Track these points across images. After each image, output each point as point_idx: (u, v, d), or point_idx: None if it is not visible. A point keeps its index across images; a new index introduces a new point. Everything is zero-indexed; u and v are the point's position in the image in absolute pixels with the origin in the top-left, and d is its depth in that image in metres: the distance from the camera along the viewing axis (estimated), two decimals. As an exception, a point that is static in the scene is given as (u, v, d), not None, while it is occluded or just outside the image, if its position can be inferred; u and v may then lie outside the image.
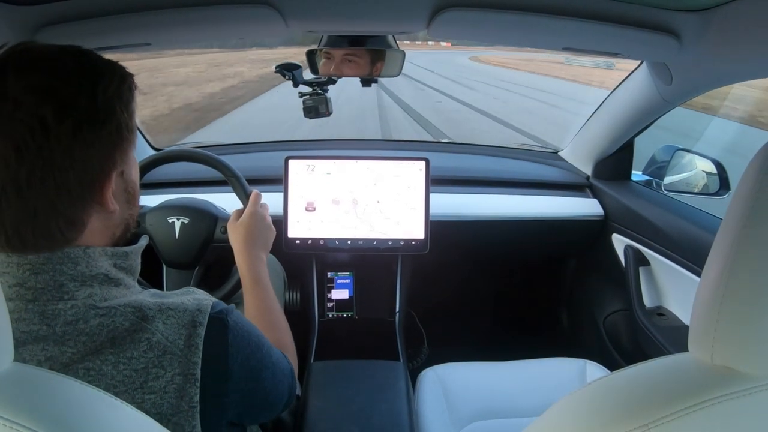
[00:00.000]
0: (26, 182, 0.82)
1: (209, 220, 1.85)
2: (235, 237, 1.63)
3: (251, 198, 1.71)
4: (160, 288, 1.84)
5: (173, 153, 1.91)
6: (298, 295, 2.34)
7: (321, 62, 1.95)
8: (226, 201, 1.99)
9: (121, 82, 0.94)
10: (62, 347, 0.87)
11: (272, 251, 1.77)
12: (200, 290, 1.08)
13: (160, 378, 0.90)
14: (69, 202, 0.88)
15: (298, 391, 1.81)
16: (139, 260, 1.06)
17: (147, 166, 1.83)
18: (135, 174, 1.05)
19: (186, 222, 1.82)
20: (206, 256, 1.85)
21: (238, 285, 1.69)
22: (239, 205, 1.85)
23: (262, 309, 1.46)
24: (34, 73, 0.84)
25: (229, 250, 1.67)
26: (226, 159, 1.84)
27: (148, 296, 0.99)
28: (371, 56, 1.89)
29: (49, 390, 0.72)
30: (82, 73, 0.88)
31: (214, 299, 1.04)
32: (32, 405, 0.67)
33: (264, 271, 1.56)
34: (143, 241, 1.10)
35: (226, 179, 1.83)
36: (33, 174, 0.82)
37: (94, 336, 0.88)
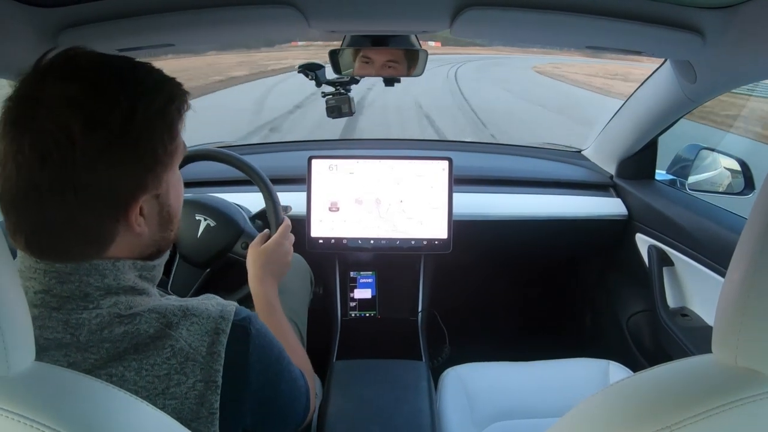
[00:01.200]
0: (46, 191, 0.82)
1: (234, 231, 1.83)
2: (253, 260, 1.62)
3: (281, 228, 1.70)
4: (167, 277, 1.85)
5: (211, 152, 1.87)
6: (322, 290, 2.34)
7: (357, 65, 1.94)
8: (245, 200, 2.01)
9: (168, 102, 0.92)
10: (85, 354, 0.88)
11: (296, 251, 1.77)
12: (219, 297, 1.07)
13: (182, 384, 0.91)
14: (87, 217, 0.87)
15: (317, 390, 1.81)
16: (162, 268, 1.06)
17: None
18: (175, 197, 1.02)
19: (212, 225, 1.81)
20: (219, 261, 1.85)
21: (247, 298, 1.67)
22: (258, 206, 1.88)
23: (276, 331, 1.45)
24: (73, 83, 0.83)
25: (242, 264, 1.67)
26: (250, 159, 1.83)
27: (172, 300, 0.99)
28: (408, 60, 1.90)
29: (70, 389, 0.72)
30: (123, 89, 0.86)
31: (236, 305, 1.03)
32: (53, 404, 0.68)
33: (276, 296, 1.55)
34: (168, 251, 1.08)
35: (263, 199, 1.81)
36: (53, 184, 0.82)
37: (118, 342, 0.89)
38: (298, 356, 1.34)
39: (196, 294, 1.76)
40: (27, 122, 0.81)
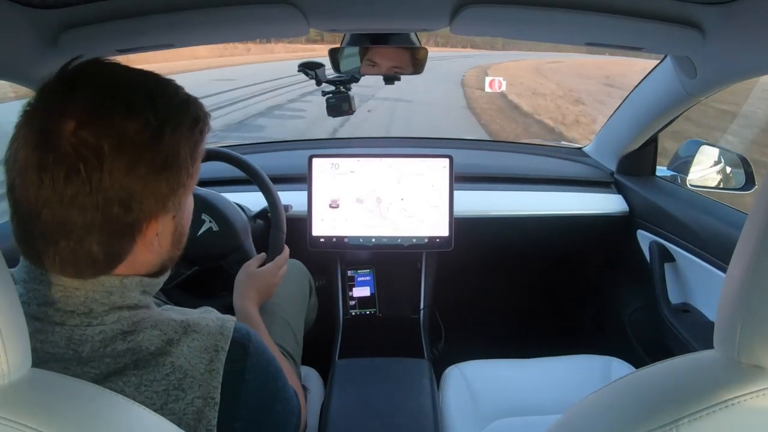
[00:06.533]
0: (68, 205, 0.80)
1: (234, 243, 1.83)
2: (243, 280, 1.64)
3: (279, 258, 1.73)
4: None
5: (216, 152, 1.89)
6: (325, 282, 2.35)
7: (363, 66, 1.94)
8: (247, 200, 2.02)
9: (194, 125, 0.91)
10: (85, 368, 0.87)
11: (297, 252, 1.77)
12: (216, 311, 1.07)
13: (181, 400, 0.90)
14: (106, 234, 0.85)
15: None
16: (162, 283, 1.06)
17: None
18: (187, 219, 1.03)
19: (215, 230, 1.81)
20: (208, 264, 1.86)
21: (226, 307, 1.65)
22: (259, 204, 1.91)
23: None
24: (104, 99, 0.82)
25: (227, 274, 1.71)
26: (252, 158, 1.84)
27: (172, 314, 0.98)
28: (412, 61, 1.90)
29: (69, 395, 0.72)
30: (154, 110, 0.85)
31: (235, 321, 1.03)
32: (52, 411, 0.68)
33: (259, 316, 1.56)
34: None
35: (271, 222, 1.84)
36: (76, 199, 0.80)
37: (119, 358, 0.88)
38: (286, 372, 1.33)
39: (178, 287, 1.78)
40: (53, 135, 0.79)
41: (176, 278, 1.83)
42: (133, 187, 0.84)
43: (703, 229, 1.96)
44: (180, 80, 0.96)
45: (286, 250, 1.79)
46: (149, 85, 0.89)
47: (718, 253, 1.87)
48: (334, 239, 2.18)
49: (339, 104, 2.14)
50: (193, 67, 27.73)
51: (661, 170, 2.43)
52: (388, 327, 2.25)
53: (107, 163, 0.80)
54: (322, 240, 2.17)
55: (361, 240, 2.17)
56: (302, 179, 2.18)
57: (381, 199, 2.16)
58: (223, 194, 1.92)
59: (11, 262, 0.77)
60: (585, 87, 26.44)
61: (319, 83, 2.10)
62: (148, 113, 0.84)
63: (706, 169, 2.24)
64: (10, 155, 0.83)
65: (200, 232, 1.80)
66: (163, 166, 0.87)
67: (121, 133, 0.81)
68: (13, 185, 0.83)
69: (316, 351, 2.00)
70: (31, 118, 0.83)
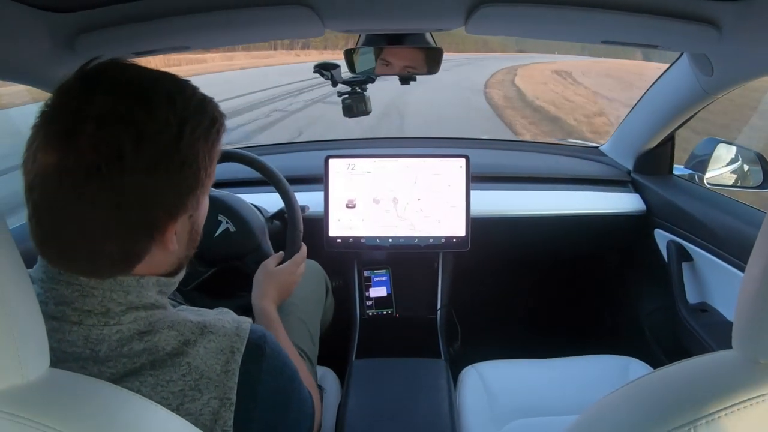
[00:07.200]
0: (89, 204, 0.81)
1: (251, 244, 1.83)
2: (262, 279, 1.64)
3: (297, 256, 1.73)
4: None
5: (232, 153, 1.88)
6: (341, 282, 2.35)
7: (377, 66, 1.94)
8: (263, 200, 2.02)
9: (211, 125, 0.93)
10: (102, 367, 0.87)
11: (314, 253, 1.77)
12: (233, 312, 1.08)
13: (197, 401, 0.90)
14: (126, 234, 0.86)
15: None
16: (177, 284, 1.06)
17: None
18: (202, 218, 1.03)
19: (231, 230, 1.80)
20: (226, 265, 1.86)
21: (245, 306, 1.64)
22: (275, 205, 1.91)
23: None
24: (125, 98, 0.83)
25: (245, 274, 1.71)
26: (267, 159, 1.84)
27: (189, 314, 0.99)
28: (426, 61, 1.89)
29: (87, 395, 0.72)
30: (173, 110, 0.86)
31: (251, 322, 1.04)
32: (69, 410, 0.68)
33: (277, 315, 1.56)
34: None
35: (287, 221, 1.83)
36: (97, 198, 0.81)
37: (135, 358, 0.89)
38: (301, 372, 1.33)
39: (196, 289, 1.78)
40: (74, 135, 0.79)
41: (194, 280, 1.83)
42: (154, 186, 0.84)
43: (721, 228, 1.95)
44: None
45: (304, 247, 1.78)
46: (168, 86, 0.89)
47: (736, 252, 1.86)
48: (351, 240, 2.18)
49: (355, 105, 2.14)
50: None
51: (678, 168, 2.42)
52: (404, 327, 2.24)
53: (128, 163, 0.81)
54: (338, 240, 2.18)
55: (377, 240, 2.17)
56: (318, 180, 2.18)
57: (397, 200, 2.15)
58: (239, 195, 1.93)
59: (29, 263, 0.78)
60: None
61: (335, 84, 2.10)
62: (168, 113, 0.85)
63: (723, 168, 2.23)
64: (28, 156, 0.83)
65: (217, 233, 1.80)
66: (182, 165, 0.87)
67: (142, 132, 0.82)
68: (32, 186, 0.83)
69: (333, 351, 2.00)
70: (49, 118, 0.83)
